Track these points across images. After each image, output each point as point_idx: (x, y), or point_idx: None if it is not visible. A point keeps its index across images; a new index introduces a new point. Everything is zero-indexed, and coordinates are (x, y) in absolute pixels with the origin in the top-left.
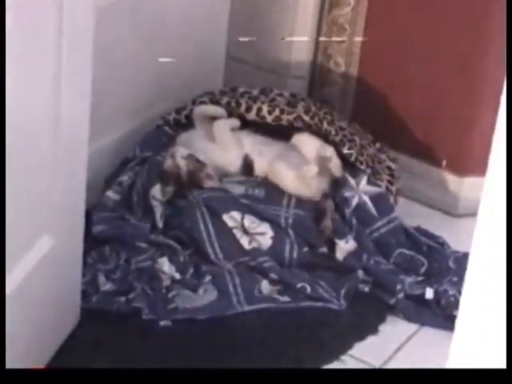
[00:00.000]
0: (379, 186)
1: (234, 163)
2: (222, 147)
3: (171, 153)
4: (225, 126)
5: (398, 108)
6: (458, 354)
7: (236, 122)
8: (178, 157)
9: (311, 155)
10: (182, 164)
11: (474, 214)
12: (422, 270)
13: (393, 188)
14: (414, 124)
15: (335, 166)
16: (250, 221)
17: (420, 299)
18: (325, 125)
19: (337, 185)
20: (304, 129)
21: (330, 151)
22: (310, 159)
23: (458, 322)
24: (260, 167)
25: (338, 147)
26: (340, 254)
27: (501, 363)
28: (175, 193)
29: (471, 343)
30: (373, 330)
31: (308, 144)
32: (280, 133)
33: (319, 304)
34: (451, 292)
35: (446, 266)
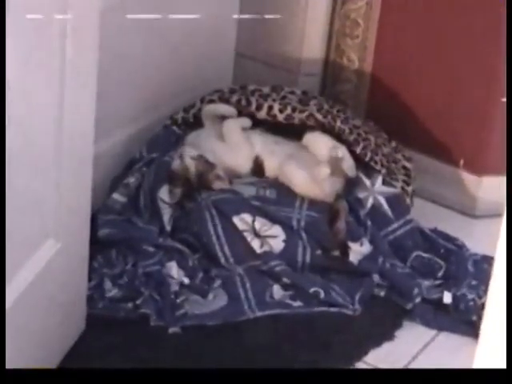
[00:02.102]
0: (395, 186)
1: (244, 164)
2: (232, 147)
3: (180, 153)
4: (235, 126)
5: (414, 105)
6: (484, 360)
7: (247, 122)
8: (187, 157)
9: (323, 155)
10: (191, 165)
11: (493, 215)
12: (440, 273)
13: (409, 188)
14: (430, 122)
15: (348, 166)
16: (261, 223)
17: (438, 304)
18: (338, 123)
19: (351, 186)
20: (317, 127)
21: (342, 151)
22: (322, 159)
23: (483, 328)
24: (271, 168)
25: (351, 146)
26: (354, 258)
27: None
28: (184, 195)
29: (496, 349)
30: (389, 336)
31: (319, 144)
32: (292, 132)
33: (333, 309)
34: (470, 296)
35: (465, 269)
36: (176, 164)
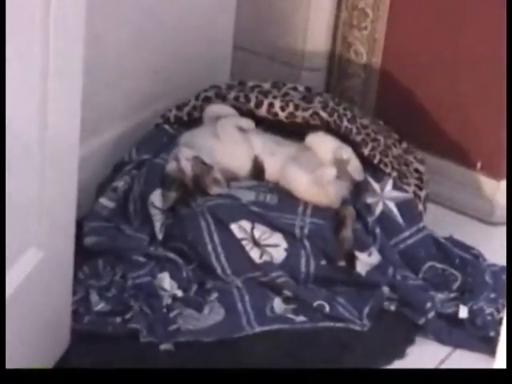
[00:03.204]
0: (406, 191)
1: (242, 164)
2: (230, 147)
3: (175, 155)
4: (229, 124)
5: (427, 103)
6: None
7: (249, 123)
8: (183, 159)
9: (327, 157)
10: (188, 167)
11: None
12: (455, 285)
13: (421, 193)
14: (444, 121)
15: (355, 169)
16: (260, 231)
17: (453, 318)
18: (345, 122)
19: (358, 190)
20: (321, 127)
21: (348, 152)
22: (327, 162)
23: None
24: (271, 170)
25: (359, 148)
26: (362, 269)
27: None
28: (178, 199)
29: None
30: (400, 353)
31: (324, 145)
32: (294, 131)
33: (339, 324)
34: (488, 310)
35: (482, 281)
36: (171, 166)
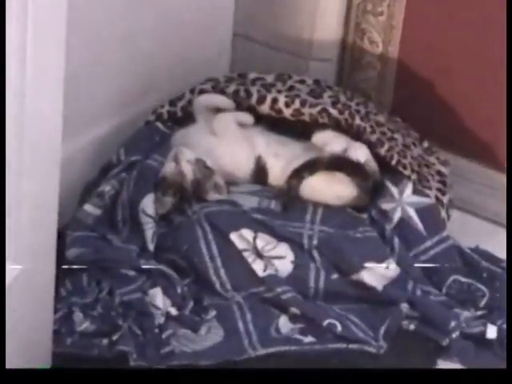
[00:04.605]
0: (427, 195)
1: (243, 167)
2: (229, 145)
3: (174, 155)
4: (229, 119)
5: (450, 98)
6: None
7: (247, 117)
8: (184, 161)
9: None
10: (188, 170)
11: None
12: (483, 302)
13: (444, 198)
14: (470, 117)
15: (371, 170)
16: (264, 241)
17: (480, 339)
18: (357, 120)
19: (373, 194)
20: (331, 125)
21: (363, 152)
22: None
23: None
24: (275, 173)
25: (374, 148)
26: (378, 283)
27: None
28: (174, 206)
29: None
30: None
31: (333, 144)
32: (300, 130)
33: (352, 346)
34: None
35: None
36: (169, 168)
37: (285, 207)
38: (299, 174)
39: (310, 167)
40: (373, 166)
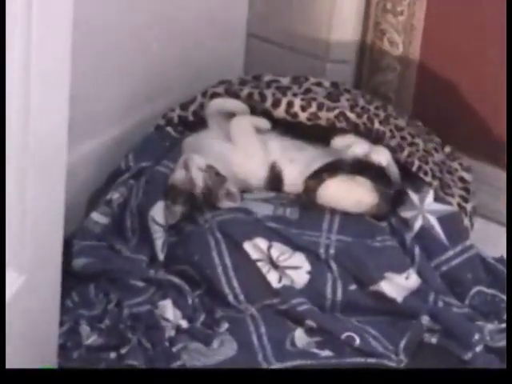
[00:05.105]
0: (449, 203)
1: (257, 173)
2: (243, 150)
3: (184, 162)
4: (245, 123)
5: (474, 101)
6: None
7: (263, 122)
8: (194, 168)
9: None
10: (199, 178)
11: None
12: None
13: (467, 206)
14: (494, 122)
15: (393, 176)
16: (279, 250)
17: (504, 353)
18: (376, 124)
19: (394, 202)
20: (349, 130)
21: (385, 155)
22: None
23: None
24: (291, 179)
25: (394, 153)
26: (399, 294)
27: None
28: (184, 215)
29: None
30: None
31: (355, 147)
32: (317, 135)
33: (371, 360)
34: None
35: None
36: (179, 175)
37: (303, 208)
38: (319, 175)
39: (331, 169)
40: (394, 171)
